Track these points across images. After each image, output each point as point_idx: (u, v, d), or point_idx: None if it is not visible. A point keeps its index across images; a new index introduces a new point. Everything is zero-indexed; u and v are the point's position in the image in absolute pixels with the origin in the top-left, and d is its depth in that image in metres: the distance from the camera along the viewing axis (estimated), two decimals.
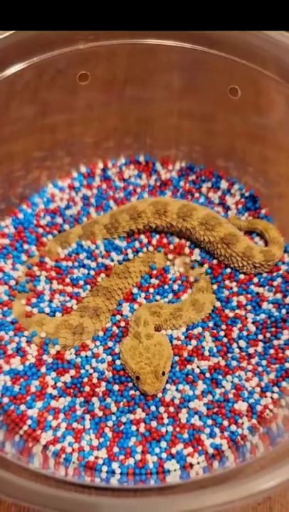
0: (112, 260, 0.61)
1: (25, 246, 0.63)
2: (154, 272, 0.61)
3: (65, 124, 0.66)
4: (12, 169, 0.64)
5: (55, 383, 0.55)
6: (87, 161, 0.69)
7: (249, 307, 0.59)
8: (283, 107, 0.59)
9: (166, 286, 0.61)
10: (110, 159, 0.69)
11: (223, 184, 0.68)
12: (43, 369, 0.55)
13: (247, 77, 0.58)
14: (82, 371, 0.55)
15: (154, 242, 0.63)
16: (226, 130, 0.66)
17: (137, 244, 0.63)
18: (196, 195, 0.67)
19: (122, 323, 0.58)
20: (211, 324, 0.58)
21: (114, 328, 0.58)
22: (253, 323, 0.58)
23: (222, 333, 0.58)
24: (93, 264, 0.61)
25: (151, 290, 0.60)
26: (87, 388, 0.54)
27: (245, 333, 0.57)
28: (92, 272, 0.61)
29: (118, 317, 0.59)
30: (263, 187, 0.66)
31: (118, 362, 0.55)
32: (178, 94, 0.65)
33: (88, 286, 0.60)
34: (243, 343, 0.57)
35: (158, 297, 0.60)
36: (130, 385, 0.54)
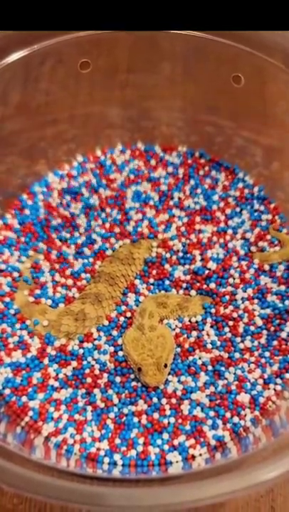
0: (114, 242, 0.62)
1: (32, 240, 0.63)
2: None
3: (66, 113, 0.65)
4: (13, 158, 0.64)
5: (57, 375, 0.55)
6: (88, 149, 0.68)
7: (256, 300, 0.59)
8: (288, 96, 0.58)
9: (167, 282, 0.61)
10: (111, 148, 0.69)
11: (225, 172, 0.67)
12: (45, 361, 0.55)
13: (251, 65, 0.57)
14: (84, 362, 0.55)
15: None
16: (229, 118, 0.65)
17: (145, 229, 0.62)
18: (196, 181, 0.67)
19: (128, 314, 0.58)
20: (214, 318, 0.58)
21: (121, 318, 0.58)
22: (259, 316, 0.58)
23: (226, 328, 0.57)
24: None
25: (152, 280, 0.60)
26: (89, 380, 0.54)
27: (251, 327, 0.57)
28: (91, 259, 0.61)
29: (123, 307, 0.58)
30: (267, 176, 0.66)
31: (120, 353, 0.55)
32: (180, 82, 0.64)
33: (88, 275, 0.60)
34: (247, 336, 0.57)
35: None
36: (132, 376, 0.54)
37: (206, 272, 0.60)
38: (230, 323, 0.57)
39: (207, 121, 0.66)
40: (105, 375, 0.54)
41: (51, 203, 0.65)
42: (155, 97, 0.66)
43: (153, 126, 0.68)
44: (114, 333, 0.57)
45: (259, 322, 0.57)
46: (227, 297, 0.58)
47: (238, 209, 0.65)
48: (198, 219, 0.64)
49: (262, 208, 0.65)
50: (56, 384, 0.54)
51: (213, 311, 0.58)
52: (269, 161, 0.65)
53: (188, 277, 0.60)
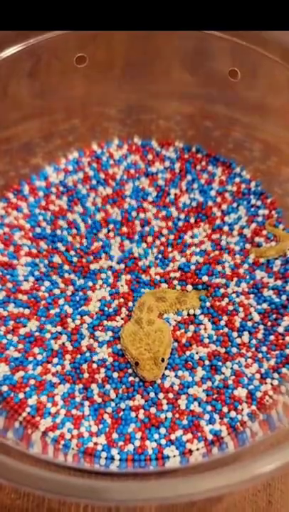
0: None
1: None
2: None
3: (62, 107, 0.65)
4: (11, 152, 0.64)
5: (56, 370, 0.55)
6: (84, 144, 0.68)
7: (251, 295, 0.59)
8: (285, 90, 0.58)
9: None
10: (108, 142, 0.69)
11: (222, 167, 0.67)
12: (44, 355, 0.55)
13: (248, 59, 0.57)
14: (80, 358, 0.55)
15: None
16: (225, 113, 0.65)
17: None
18: (193, 176, 0.67)
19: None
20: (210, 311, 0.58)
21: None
22: (255, 311, 0.58)
23: (223, 322, 0.57)
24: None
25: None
26: (86, 375, 0.54)
27: (248, 322, 0.57)
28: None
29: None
30: (264, 171, 0.66)
31: (118, 346, 0.55)
32: (177, 76, 0.64)
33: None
34: (244, 331, 0.57)
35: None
36: (130, 371, 0.54)
37: (196, 265, 0.60)
38: (227, 317, 0.57)
39: (204, 115, 0.66)
40: (102, 370, 0.54)
41: (50, 202, 0.65)
42: (152, 92, 0.66)
43: (150, 120, 0.68)
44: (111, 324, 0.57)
45: (256, 317, 0.57)
46: (222, 290, 0.59)
47: (234, 204, 0.65)
48: (193, 220, 0.64)
49: (259, 203, 0.65)
50: (54, 379, 0.54)
51: (208, 304, 0.58)
52: (266, 156, 0.65)
53: (181, 274, 0.60)
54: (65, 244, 0.62)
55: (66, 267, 0.61)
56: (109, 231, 0.63)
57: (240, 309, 0.58)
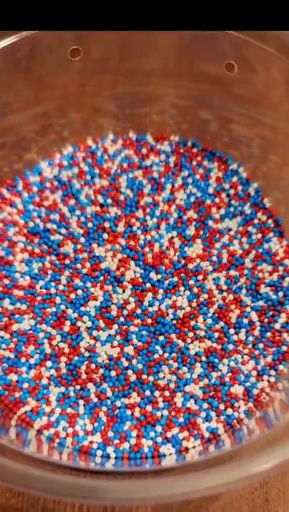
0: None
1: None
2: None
3: (57, 101, 0.64)
4: (5, 147, 0.63)
5: (50, 374, 0.54)
6: (79, 139, 0.68)
7: (249, 292, 0.59)
8: (283, 84, 0.58)
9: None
10: (103, 137, 0.68)
11: (218, 162, 0.67)
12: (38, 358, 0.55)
13: (244, 52, 0.57)
14: (77, 360, 0.54)
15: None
16: (222, 107, 0.65)
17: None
18: (189, 172, 0.66)
19: None
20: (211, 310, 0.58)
21: None
22: (252, 308, 0.58)
23: (219, 318, 0.57)
24: None
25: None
26: (84, 376, 0.54)
27: (245, 320, 0.57)
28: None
29: None
30: (261, 168, 0.65)
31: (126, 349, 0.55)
32: (173, 69, 0.64)
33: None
34: (241, 328, 0.56)
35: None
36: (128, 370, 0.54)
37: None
38: (224, 314, 0.57)
39: (200, 109, 0.66)
40: (101, 370, 0.54)
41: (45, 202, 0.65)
42: (148, 86, 0.65)
43: (145, 115, 0.68)
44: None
45: (252, 314, 0.57)
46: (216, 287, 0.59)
47: (231, 209, 0.64)
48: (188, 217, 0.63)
49: (256, 200, 0.65)
50: (50, 384, 0.54)
51: (205, 308, 0.58)
52: (263, 152, 0.65)
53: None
54: (58, 248, 0.61)
55: (68, 261, 0.60)
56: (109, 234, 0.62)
57: (237, 307, 0.57)
